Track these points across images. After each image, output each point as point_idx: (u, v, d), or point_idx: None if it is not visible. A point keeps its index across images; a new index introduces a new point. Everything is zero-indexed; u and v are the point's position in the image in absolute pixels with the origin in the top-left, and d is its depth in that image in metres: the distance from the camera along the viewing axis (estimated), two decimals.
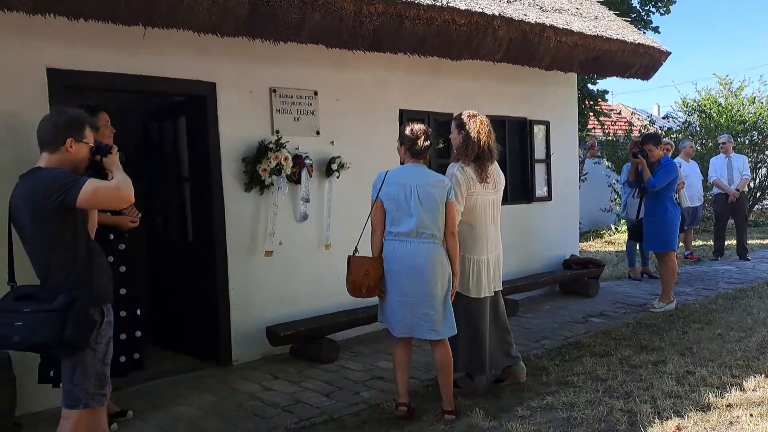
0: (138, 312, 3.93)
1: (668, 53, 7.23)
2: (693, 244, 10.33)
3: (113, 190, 2.58)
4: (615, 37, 6.51)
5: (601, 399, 3.93)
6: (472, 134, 3.96)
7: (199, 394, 4.31)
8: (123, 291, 3.81)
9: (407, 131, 3.77)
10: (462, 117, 4.06)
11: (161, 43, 4.38)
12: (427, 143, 3.76)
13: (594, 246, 11.70)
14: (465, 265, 3.95)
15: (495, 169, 4.09)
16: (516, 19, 5.62)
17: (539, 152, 7.49)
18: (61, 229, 2.55)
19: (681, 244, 9.66)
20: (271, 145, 4.99)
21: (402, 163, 3.89)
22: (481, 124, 3.99)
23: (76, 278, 2.57)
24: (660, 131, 14.96)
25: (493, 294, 4.11)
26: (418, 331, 3.69)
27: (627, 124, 16.78)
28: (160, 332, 5.58)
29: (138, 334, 3.92)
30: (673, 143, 9.01)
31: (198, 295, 5.06)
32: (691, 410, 3.67)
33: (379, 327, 5.73)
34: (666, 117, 17.36)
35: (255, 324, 5.01)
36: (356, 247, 3.80)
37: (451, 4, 5.16)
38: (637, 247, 8.09)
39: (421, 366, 4.74)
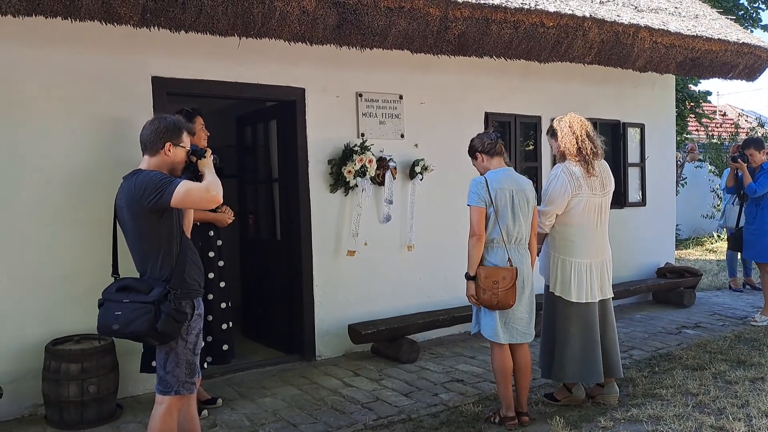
0: (229, 304, 4.16)
1: None
2: None
3: (203, 191, 2.74)
4: (716, 37, 6.17)
5: (691, 414, 3.76)
6: (564, 131, 3.87)
7: (283, 387, 4.50)
8: (222, 284, 4.07)
9: (475, 142, 3.83)
10: (552, 124, 4.03)
11: (255, 52, 4.61)
12: (499, 141, 3.81)
13: (693, 254, 11.11)
14: (566, 268, 3.85)
15: (603, 168, 3.93)
16: (608, 20, 5.46)
17: (633, 156, 7.23)
18: (157, 226, 2.74)
19: None
20: (356, 148, 5.12)
21: (486, 170, 3.80)
22: (571, 118, 3.91)
23: (170, 272, 2.75)
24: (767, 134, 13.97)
25: (597, 300, 3.92)
26: (513, 336, 3.70)
27: (733, 126, 15.76)
28: (249, 325, 5.86)
29: (225, 326, 4.14)
30: None
31: (285, 291, 5.27)
32: None
33: (458, 330, 5.77)
34: None
35: (338, 321, 5.16)
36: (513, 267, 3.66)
37: (539, 7, 5.09)
38: (739, 257, 7.62)
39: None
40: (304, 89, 5.02)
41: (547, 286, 3.99)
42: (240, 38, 4.15)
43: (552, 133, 4.00)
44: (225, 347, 4.10)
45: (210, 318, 3.97)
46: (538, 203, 3.88)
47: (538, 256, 3.95)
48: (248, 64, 4.69)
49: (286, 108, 5.10)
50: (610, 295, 4.00)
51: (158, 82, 4.37)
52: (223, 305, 4.09)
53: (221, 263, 4.14)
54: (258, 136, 5.81)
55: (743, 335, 5.58)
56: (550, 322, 3.97)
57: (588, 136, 3.86)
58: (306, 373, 4.80)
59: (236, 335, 5.78)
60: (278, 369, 4.91)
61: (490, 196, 3.62)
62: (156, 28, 3.85)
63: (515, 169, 6.28)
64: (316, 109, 5.08)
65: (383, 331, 5.05)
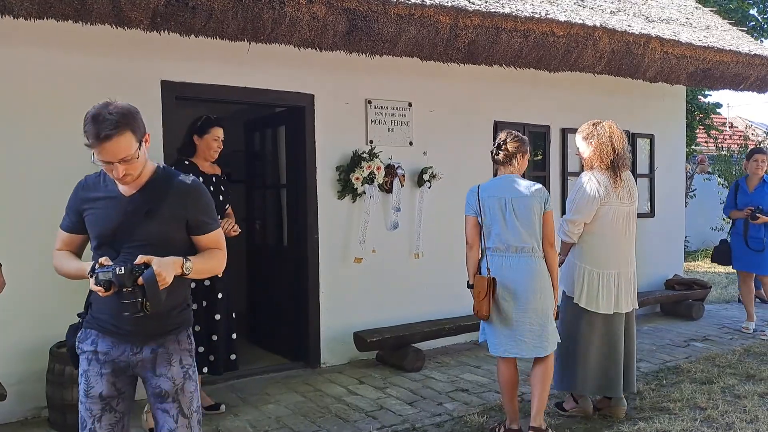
0: (233, 315, 4.11)
1: None
2: None
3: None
4: (727, 48, 6.15)
5: (699, 428, 3.71)
6: (603, 139, 3.78)
7: (287, 394, 4.47)
8: (220, 295, 3.99)
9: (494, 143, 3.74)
10: (587, 127, 3.89)
11: (264, 57, 4.61)
12: (503, 151, 3.62)
13: (702, 266, 11.02)
14: (593, 279, 3.78)
15: (628, 177, 3.89)
16: (619, 30, 5.44)
17: (642, 166, 7.19)
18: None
19: None
20: (364, 155, 5.11)
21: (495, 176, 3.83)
22: (611, 128, 3.82)
23: None
24: None
25: (623, 313, 3.87)
26: (523, 350, 3.54)
27: (742, 138, 15.66)
28: (255, 331, 5.84)
29: (234, 336, 4.11)
30: None
31: (291, 297, 5.26)
32: None
33: (464, 339, 5.74)
34: None
35: (343, 329, 5.14)
36: (489, 272, 3.59)
37: (550, 16, 5.08)
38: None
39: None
40: (313, 95, 5.02)
41: (568, 297, 3.90)
42: (249, 43, 4.16)
43: (588, 135, 3.86)
44: (212, 358, 3.98)
45: (197, 328, 3.86)
46: (563, 211, 3.84)
47: (560, 265, 3.80)
48: (258, 70, 4.69)
49: (294, 114, 5.10)
50: (634, 306, 3.94)
51: (168, 87, 4.38)
52: (218, 317, 3.97)
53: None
54: (266, 142, 5.81)
55: (752, 349, 5.51)
56: (568, 333, 3.87)
57: (624, 147, 3.83)
58: (310, 380, 4.78)
59: (241, 341, 5.81)
60: (282, 376, 4.89)
61: (479, 205, 3.59)
62: (166, 32, 3.87)
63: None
64: (324, 116, 5.08)
65: (389, 339, 5.02)
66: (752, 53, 6.39)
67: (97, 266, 2.08)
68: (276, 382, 4.75)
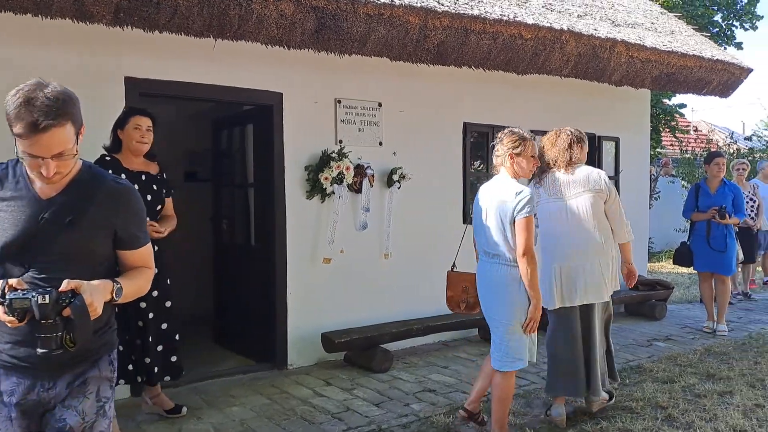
0: (170, 311, 3.85)
1: (749, 70, 6.89)
2: None
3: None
4: (691, 53, 6.27)
5: (660, 428, 3.77)
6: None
7: (252, 396, 4.42)
8: (169, 304, 3.83)
9: None
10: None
11: (232, 55, 4.55)
12: (495, 152, 3.55)
13: (666, 267, 11.24)
14: (542, 274, 3.71)
15: (560, 176, 3.94)
16: (585, 33, 5.52)
17: (608, 169, 7.27)
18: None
19: (759, 268, 9.20)
20: (333, 155, 5.09)
21: None
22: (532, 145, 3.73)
23: None
24: (742, 150, 14.27)
25: (568, 307, 3.84)
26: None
27: (706, 141, 16.05)
28: (221, 332, 5.77)
29: (177, 337, 3.91)
30: (748, 163, 8.58)
31: (258, 298, 5.20)
32: None
33: (432, 339, 5.75)
34: (749, 138, 16.52)
35: (311, 330, 5.10)
36: (454, 262, 3.70)
37: (518, 19, 5.12)
38: (740, 269, 7.82)
39: (474, 381, 4.70)
40: (281, 94, 4.97)
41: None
42: (216, 40, 4.10)
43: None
44: (156, 369, 3.79)
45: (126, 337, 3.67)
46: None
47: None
48: (225, 67, 4.63)
49: (263, 112, 5.05)
50: (578, 302, 3.84)
51: (132, 83, 4.29)
52: (164, 326, 3.81)
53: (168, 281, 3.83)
54: (234, 140, 5.74)
55: (713, 349, 5.63)
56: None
57: (555, 152, 3.95)
58: (277, 382, 4.73)
59: (207, 343, 5.75)
60: (248, 378, 4.83)
61: (473, 207, 3.64)
62: (130, 27, 3.78)
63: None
64: (293, 115, 5.04)
65: (357, 340, 5.00)
66: (715, 58, 6.54)
67: (6, 289, 1.67)
68: (241, 384, 4.69)
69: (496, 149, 3.55)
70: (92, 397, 1.90)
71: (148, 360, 3.77)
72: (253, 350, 5.26)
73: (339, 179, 5.09)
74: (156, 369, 3.81)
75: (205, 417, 4.03)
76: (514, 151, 3.45)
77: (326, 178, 5.04)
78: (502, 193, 3.42)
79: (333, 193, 5.11)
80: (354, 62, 4.97)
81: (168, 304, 3.84)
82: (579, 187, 3.90)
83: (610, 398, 4.14)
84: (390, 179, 5.52)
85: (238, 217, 5.72)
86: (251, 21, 3.95)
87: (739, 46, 13.82)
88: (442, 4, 4.72)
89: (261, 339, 5.17)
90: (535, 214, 3.38)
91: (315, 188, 5.10)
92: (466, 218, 6.14)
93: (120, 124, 3.69)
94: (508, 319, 3.38)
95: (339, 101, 5.28)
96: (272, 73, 4.87)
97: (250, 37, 4.13)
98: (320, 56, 4.66)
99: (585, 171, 3.95)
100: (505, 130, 3.56)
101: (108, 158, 3.63)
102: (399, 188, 5.56)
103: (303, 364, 5.10)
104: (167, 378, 3.91)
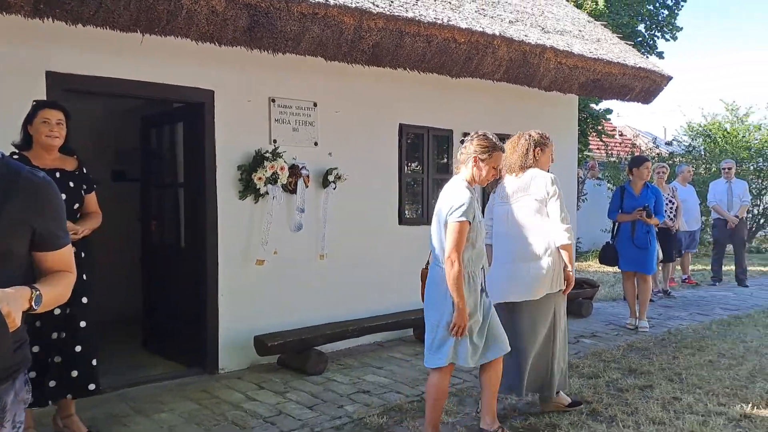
0: (82, 324, 3.54)
1: (669, 78, 7.24)
2: (691, 268, 10.31)
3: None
4: (615, 60, 6.54)
5: (585, 422, 3.90)
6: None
7: (182, 402, 4.30)
8: (85, 300, 3.56)
9: None
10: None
11: (161, 51, 4.42)
12: (462, 152, 3.50)
13: (592, 266, 11.67)
14: None
15: (510, 180, 4.03)
16: (516, 39, 5.65)
17: None
18: None
19: (678, 267, 9.67)
20: (267, 154, 5.02)
21: None
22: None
23: None
24: (663, 154, 14.98)
25: (507, 304, 3.93)
26: None
27: (630, 145, 16.77)
28: (150, 335, 5.60)
29: (77, 349, 3.52)
30: (668, 167, 9.03)
31: (188, 300, 5.07)
32: None
33: (368, 340, 5.76)
34: (669, 143, 17.38)
35: (244, 332, 5.01)
36: (428, 260, 3.63)
37: (452, 23, 5.20)
38: (660, 267, 8.20)
39: (408, 381, 4.75)
40: (213, 91, 4.86)
41: None
42: (143, 35, 3.97)
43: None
44: (74, 374, 3.48)
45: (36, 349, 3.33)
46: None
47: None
48: (154, 63, 4.49)
49: (194, 110, 4.92)
50: (518, 299, 3.94)
51: (54, 78, 4.10)
52: (83, 323, 3.52)
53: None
54: (164, 139, 5.58)
55: (635, 344, 5.88)
56: None
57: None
58: (207, 386, 4.62)
59: (136, 347, 5.56)
60: (178, 383, 4.70)
61: None
62: (50, 19, 3.61)
63: (427, 182, 6.40)
64: (226, 113, 4.94)
65: (291, 343, 4.94)
66: (637, 66, 6.83)
67: None
68: (171, 389, 4.56)
69: (463, 147, 3.52)
70: (8, 425, 1.71)
71: (58, 360, 3.46)
72: (184, 354, 5.12)
73: (273, 179, 5.03)
74: (75, 374, 3.49)
75: (132, 424, 3.89)
76: (480, 156, 3.43)
77: (260, 178, 4.97)
78: (446, 194, 3.45)
79: (267, 193, 5.04)
80: (288, 61, 4.92)
81: (84, 300, 3.54)
82: (521, 191, 4.02)
83: (574, 405, 4.12)
84: (325, 180, 5.50)
85: (168, 218, 5.56)
86: (181, 16, 3.85)
87: (660, 55, 14.53)
88: (377, 6, 4.74)
89: (191, 342, 5.04)
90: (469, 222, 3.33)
91: (248, 188, 5.02)
92: (402, 219, 6.19)
93: (29, 119, 3.46)
94: (435, 318, 3.42)
95: (273, 100, 5.21)
96: (203, 70, 4.76)
97: (180, 33, 4.02)
98: (253, 54, 4.59)
99: (530, 175, 4.03)
100: (479, 132, 3.51)
101: (16, 156, 3.34)
102: (335, 189, 5.54)
103: (235, 368, 5.01)
104: (91, 386, 3.58)
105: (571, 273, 4.04)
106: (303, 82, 5.36)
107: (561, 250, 3.97)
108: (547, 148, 4.18)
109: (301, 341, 5.00)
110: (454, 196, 3.37)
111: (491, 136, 3.48)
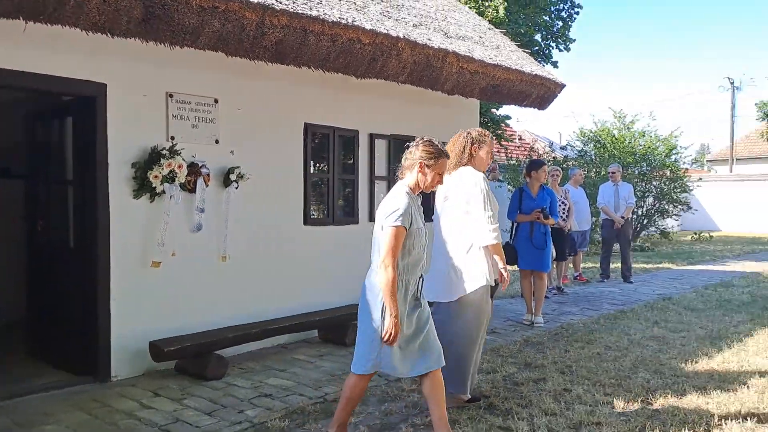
0: None
1: (563, 85, 7.62)
2: (582, 266, 10.90)
3: None
4: (513, 67, 6.80)
5: (482, 416, 4.03)
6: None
7: (70, 412, 4.05)
8: None
9: None
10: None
11: (48, 40, 4.14)
12: (407, 157, 3.48)
13: None
14: None
15: (445, 180, 3.90)
16: (420, 42, 5.75)
17: None
18: None
19: (571, 265, 10.21)
20: (164, 152, 4.82)
21: None
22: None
23: None
24: (558, 158, 15.77)
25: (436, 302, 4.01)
26: None
27: (529, 149, 17.54)
28: (36, 342, 5.24)
29: None
30: (561, 170, 9.52)
31: (77, 304, 4.78)
32: (564, 428, 3.84)
33: (271, 343, 5.66)
34: (564, 147, 18.32)
35: (138, 338, 4.79)
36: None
37: (356, 23, 5.21)
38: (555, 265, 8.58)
39: (312, 383, 4.71)
40: (105, 85, 4.61)
41: None
42: (26, 23, 3.70)
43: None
44: None
45: None
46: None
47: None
48: (39, 53, 4.20)
49: (84, 104, 4.65)
50: (436, 299, 4.06)
51: None
52: None
53: None
54: (51, 134, 5.24)
55: (531, 339, 6.15)
56: None
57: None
58: (98, 395, 4.38)
59: (20, 354, 5.19)
60: (66, 393, 4.42)
61: None
62: None
63: (333, 182, 6.37)
64: (119, 107, 4.70)
65: (189, 347, 4.77)
66: (534, 73, 7.14)
67: None
68: (58, 400, 4.28)
69: (408, 152, 3.47)
70: None
71: None
72: (72, 362, 4.82)
73: (170, 178, 4.84)
74: None
75: None
76: (426, 162, 3.40)
77: (156, 177, 4.77)
78: (385, 200, 3.41)
79: (164, 192, 4.85)
80: (187, 55, 4.75)
81: None
82: (452, 191, 4.10)
83: (473, 400, 4.18)
84: (227, 179, 5.35)
85: (56, 217, 5.22)
86: (69, 4, 3.62)
87: (555, 64, 15.32)
88: (281, 2, 4.67)
89: (81, 349, 4.75)
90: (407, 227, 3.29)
91: (143, 187, 4.80)
92: (308, 220, 6.14)
93: None
94: (367, 323, 3.37)
95: (171, 95, 5.02)
96: (94, 62, 4.51)
97: (68, 22, 3.78)
98: (149, 47, 4.39)
99: (458, 175, 4.11)
100: (425, 138, 3.47)
101: None
102: (237, 188, 5.41)
103: (129, 375, 4.77)
104: None
105: (502, 271, 4.15)
106: (203, 77, 5.19)
107: (489, 249, 4.06)
108: (484, 145, 4.27)
109: (200, 345, 4.84)
110: (391, 202, 3.34)
111: (437, 143, 3.46)
